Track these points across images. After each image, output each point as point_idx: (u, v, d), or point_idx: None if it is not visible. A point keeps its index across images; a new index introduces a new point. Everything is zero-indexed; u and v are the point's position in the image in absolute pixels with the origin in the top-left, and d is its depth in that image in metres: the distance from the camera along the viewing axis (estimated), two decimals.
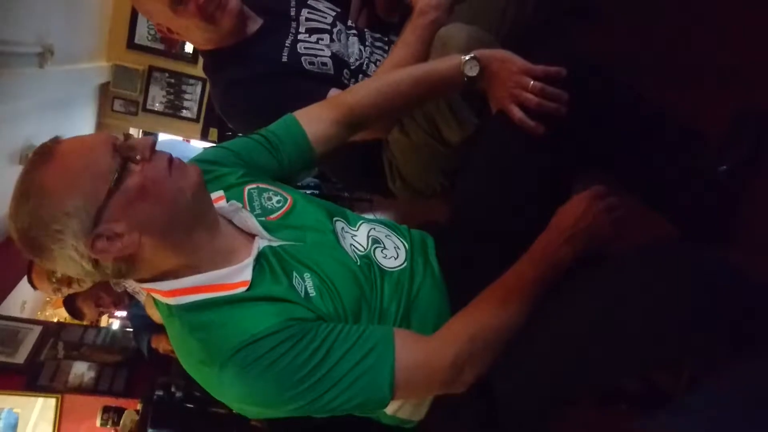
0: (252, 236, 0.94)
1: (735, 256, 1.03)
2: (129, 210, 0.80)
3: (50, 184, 0.79)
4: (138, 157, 0.82)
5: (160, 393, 2.48)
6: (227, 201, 0.97)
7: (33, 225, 0.79)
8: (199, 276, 0.86)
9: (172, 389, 2.49)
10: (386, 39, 1.65)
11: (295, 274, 0.90)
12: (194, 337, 0.83)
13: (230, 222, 0.95)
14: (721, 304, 0.71)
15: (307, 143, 1.08)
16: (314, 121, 1.10)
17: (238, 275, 0.86)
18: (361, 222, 1.07)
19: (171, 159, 0.85)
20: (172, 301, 0.86)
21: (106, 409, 3.11)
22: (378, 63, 1.56)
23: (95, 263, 0.82)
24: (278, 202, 1.02)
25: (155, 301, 0.92)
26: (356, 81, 1.51)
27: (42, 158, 0.81)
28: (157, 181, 0.82)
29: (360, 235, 1.03)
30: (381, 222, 1.10)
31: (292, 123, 1.09)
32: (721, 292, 0.72)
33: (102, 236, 0.80)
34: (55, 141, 0.83)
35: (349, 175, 1.79)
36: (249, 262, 0.88)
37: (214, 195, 0.97)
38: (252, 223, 0.94)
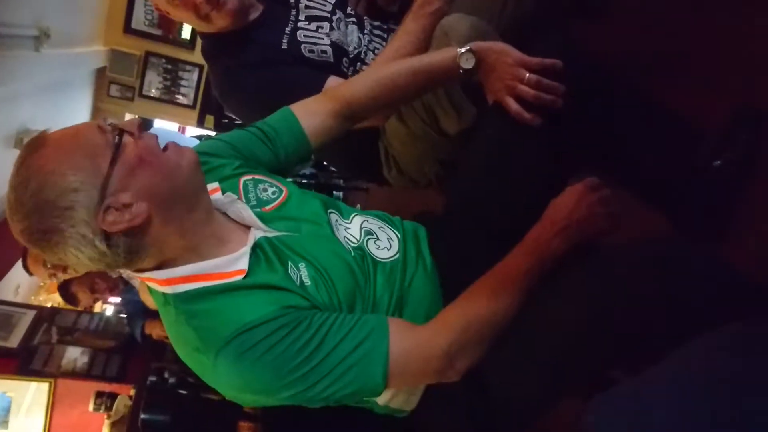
0: (247, 228, 0.95)
1: (727, 253, 1.03)
2: (132, 179, 0.82)
3: (49, 165, 0.80)
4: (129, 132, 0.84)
5: (154, 378, 2.48)
6: (222, 193, 0.97)
7: (39, 208, 0.79)
8: (196, 265, 0.86)
9: (166, 375, 2.49)
10: (385, 27, 1.64)
11: (290, 263, 0.90)
12: (190, 325, 0.84)
13: (225, 214, 0.95)
14: (709, 299, 0.72)
15: (304, 136, 1.09)
16: (310, 113, 1.10)
17: (235, 264, 0.87)
18: (354, 214, 1.07)
19: (158, 139, 0.87)
20: (168, 289, 0.87)
21: (99, 395, 3.11)
22: (376, 51, 1.55)
23: (107, 240, 0.82)
24: (273, 193, 1.02)
25: (150, 290, 0.92)
26: (355, 69, 1.51)
27: (34, 146, 0.82)
28: (152, 152, 0.84)
29: (353, 227, 1.04)
30: (374, 214, 1.10)
31: (289, 115, 1.10)
32: (710, 286, 0.73)
33: (111, 208, 0.80)
34: (44, 132, 0.84)
35: (344, 163, 1.79)
36: (245, 250, 0.88)
37: (209, 187, 0.97)
38: (247, 214, 0.94)
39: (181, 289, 0.86)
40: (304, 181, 3.40)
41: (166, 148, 0.86)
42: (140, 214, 0.82)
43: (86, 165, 0.80)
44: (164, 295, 0.88)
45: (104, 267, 0.86)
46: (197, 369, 0.86)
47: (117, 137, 0.82)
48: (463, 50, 1.04)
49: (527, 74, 0.99)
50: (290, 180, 1.15)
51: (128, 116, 5.55)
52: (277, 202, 1.01)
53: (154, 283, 0.88)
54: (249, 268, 0.86)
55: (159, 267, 0.87)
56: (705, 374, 0.55)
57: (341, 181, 3.55)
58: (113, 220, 0.81)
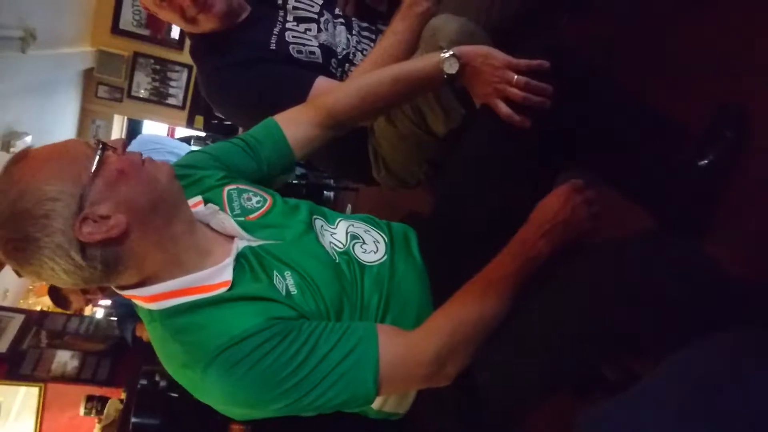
0: (231, 238, 0.94)
1: (712, 250, 1.04)
2: (112, 191, 0.82)
3: (29, 175, 0.80)
4: (113, 148, 0.85)
5: (144, 382, 2.46)
6: (205, 204, 0.97)
7: (16, 216, 0.78)
8: (179, 279, 0.86)
9: (156, 378, 2.47)
10: (374, 28, 1.64)
11: (275, 272, 0.90)
12: (176, 340, 0.83)
13: (209, 226, 0.95)
14: (695, 297, 0.72)
15: (287, 146, 1.09)
16: (294, 123, 1.11)
17: (219, 275, 0.86)
18: (339, 219, 1.07)
19: (141, 156, 0.87)
20: (153, 306, 0.86)
21: (89, 398, 3.10)
22: (365, 52, 1.55)
23: (83, 252, 0.81)
24: (258, 202, 1.02)
25: (137, 307, 0.91)
26: (343, 70, 1.51)
27: (17, 158, 0.83)
28: (134, 165, 0.84)
29: (339, 232, 1.04)
30: (360, 218, 1.10)
31: (272, 126, 1.10)
32: (697, 284, 0.73)
33: (88, 219, 0.80)
34: (27, 148, 0.85)
35: (333, 163, 1.78)
36: (229, 261, 0.88)
37: (192, 200, 0.97)
38: (230, 224, 0.94)
39: (167, 305, 0.85)
40: (294, 182, 3.39)
41: (143, 163, 0.87)
42: (117, 226, 0.81)
43: (66, 175, 0.80)
44: (150, 312, 0.87)
45: (81, 282, 0.84)
46: (186, 385, 0.85)
47: (100, 151, 0.83)
48: (446, 55, 1.03)
49: (515, 76, 0.98)
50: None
51: (117, 118, 5.52)
52: (261, 210, 1.00)
53: (140, 301, 0.88)
54: (234, 279, 0.86)
55: (142, 284, 0.87)
56: (700, 382, 0.54)
57: (331, 182, 3.55)
58: (90, 231, 0.80)
